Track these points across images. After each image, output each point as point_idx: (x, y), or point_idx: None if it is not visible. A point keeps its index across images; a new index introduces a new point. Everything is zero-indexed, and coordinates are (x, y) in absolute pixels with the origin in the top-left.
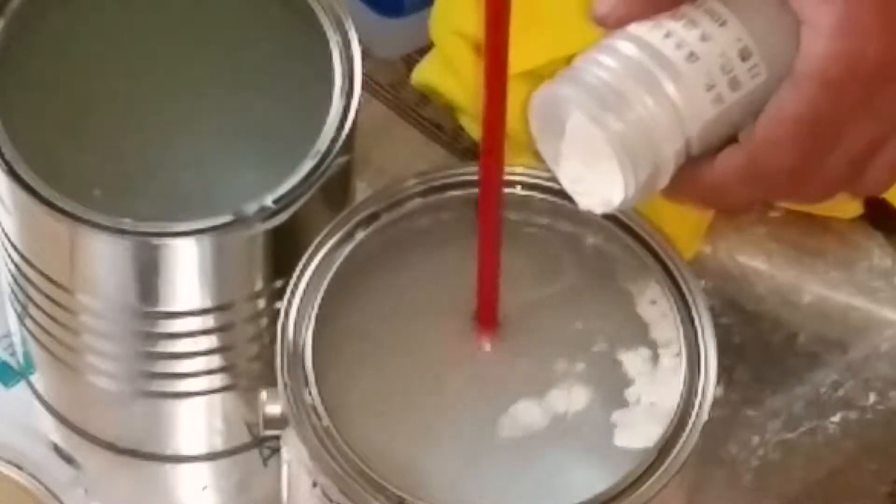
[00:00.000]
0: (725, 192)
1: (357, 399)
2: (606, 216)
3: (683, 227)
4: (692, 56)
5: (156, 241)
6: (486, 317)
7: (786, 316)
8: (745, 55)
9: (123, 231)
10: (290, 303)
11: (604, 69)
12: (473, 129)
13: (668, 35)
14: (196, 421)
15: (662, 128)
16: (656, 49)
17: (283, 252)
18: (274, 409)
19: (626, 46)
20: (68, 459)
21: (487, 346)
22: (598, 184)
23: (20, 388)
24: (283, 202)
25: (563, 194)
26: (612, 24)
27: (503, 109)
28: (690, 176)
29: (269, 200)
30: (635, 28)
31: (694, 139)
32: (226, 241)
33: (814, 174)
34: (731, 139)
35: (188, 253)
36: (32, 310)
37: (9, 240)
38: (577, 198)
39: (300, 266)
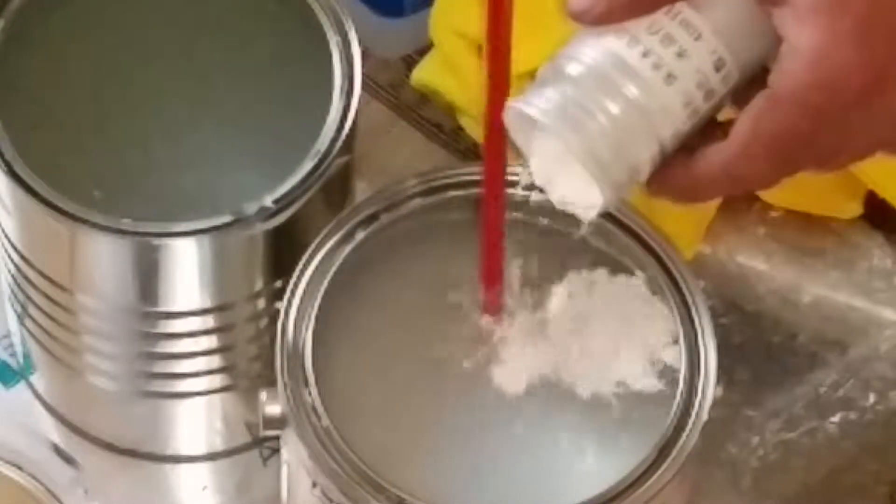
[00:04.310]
0: (702, 191)
1: (357, 399)
2: (605, 217)
3: (683, 227)
4: (670, 77)
5: (156, 241)
6: (492, 307)
7: (786, 316)
8: (719, 66)
9: (123, 231)
10: (290, 303)
11: (578, 86)
12: (473, 129)
13: (645, 54)
14: (196, 421)
15: (637, 141)
16: (634, 69)
17: (283, 252)
18: (274, 409)
19: (602, 63)
20: (68, 459)
21: (487, 347)
22: (578, 193)
23: (20, 388)
24: (283, 202)
25: None
26: (590, 20)
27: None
28: (669, 177)
29: (269, 200)
30: (612, 42)
31: (668, 145)
32: (226, 241)
33: (785, 178)
34: None
35: (188, 253)
36: (32, 310)
37: (9, 240)
38: (567, 207)
39: (300, 266)
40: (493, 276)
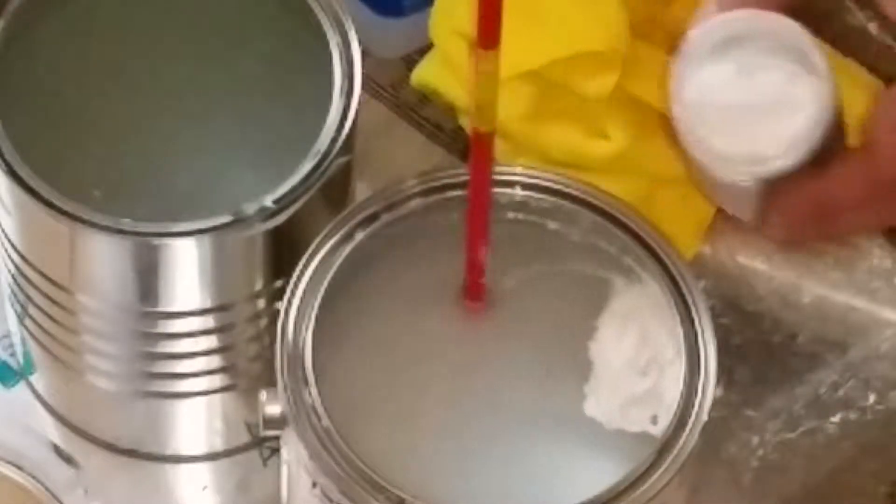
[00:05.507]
0: (841, 216)
1: (357, 399)
2: (604, 217)
3: (683, 227)
4: None
5: (156, 241)
6: (474, 296)
7: (786, 316)
8: None
9: (123, 231)
10: (290, 303)
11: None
12: None
13: None
14: (196, 421)
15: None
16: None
17: (283, 252)
18: (274, 409)
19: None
20: (68, 459)
21: (488, 347)
22: (757, 143)
23: (20, 388)
24: (283, 202)
25: (562, 194)
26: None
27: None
28: (807, 193)
29: (269, 200)
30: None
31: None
32: (226, 241)
33: None
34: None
35: (188, 253)
36: (32, 310)
37: (9, 240)
38: (722, 166)
39: (300, 266)
40: (477, 264)
